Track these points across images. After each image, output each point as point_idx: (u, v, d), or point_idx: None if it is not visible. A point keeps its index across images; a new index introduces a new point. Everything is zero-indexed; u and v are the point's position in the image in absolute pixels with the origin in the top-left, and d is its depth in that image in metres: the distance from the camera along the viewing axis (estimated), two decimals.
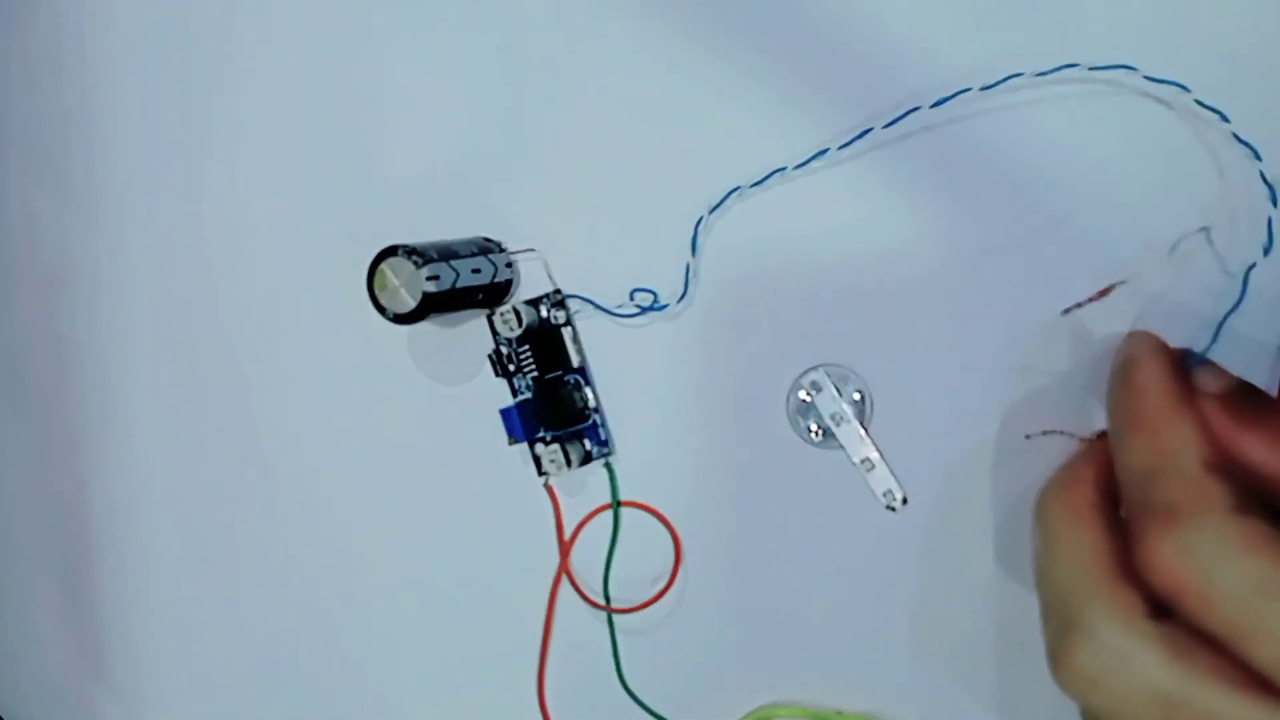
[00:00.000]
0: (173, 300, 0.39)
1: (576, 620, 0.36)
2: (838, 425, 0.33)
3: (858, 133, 0.31)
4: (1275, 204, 0.28)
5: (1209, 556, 0.22)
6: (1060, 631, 0.24)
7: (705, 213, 0.33)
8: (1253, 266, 0.28)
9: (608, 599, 0.35)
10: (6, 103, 0.40)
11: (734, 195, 0.33)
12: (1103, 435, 0.30)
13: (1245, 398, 0.26)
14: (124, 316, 0.39)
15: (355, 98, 0.36)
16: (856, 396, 0.33)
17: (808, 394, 0.33)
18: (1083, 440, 0.30)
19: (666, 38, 0.33)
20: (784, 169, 0.32)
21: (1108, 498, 0.27)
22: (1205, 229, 0.29)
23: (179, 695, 0.40)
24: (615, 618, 0.35)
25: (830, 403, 0.33)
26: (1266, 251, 0.28)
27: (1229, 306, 0.28)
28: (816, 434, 0.33)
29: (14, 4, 0.40)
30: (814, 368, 0.33)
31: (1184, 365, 0.27)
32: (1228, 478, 0.23)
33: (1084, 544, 0.25)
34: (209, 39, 0.38)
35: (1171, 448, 0.24)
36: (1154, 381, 0.25)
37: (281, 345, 0.38)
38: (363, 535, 0.38)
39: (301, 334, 0.37)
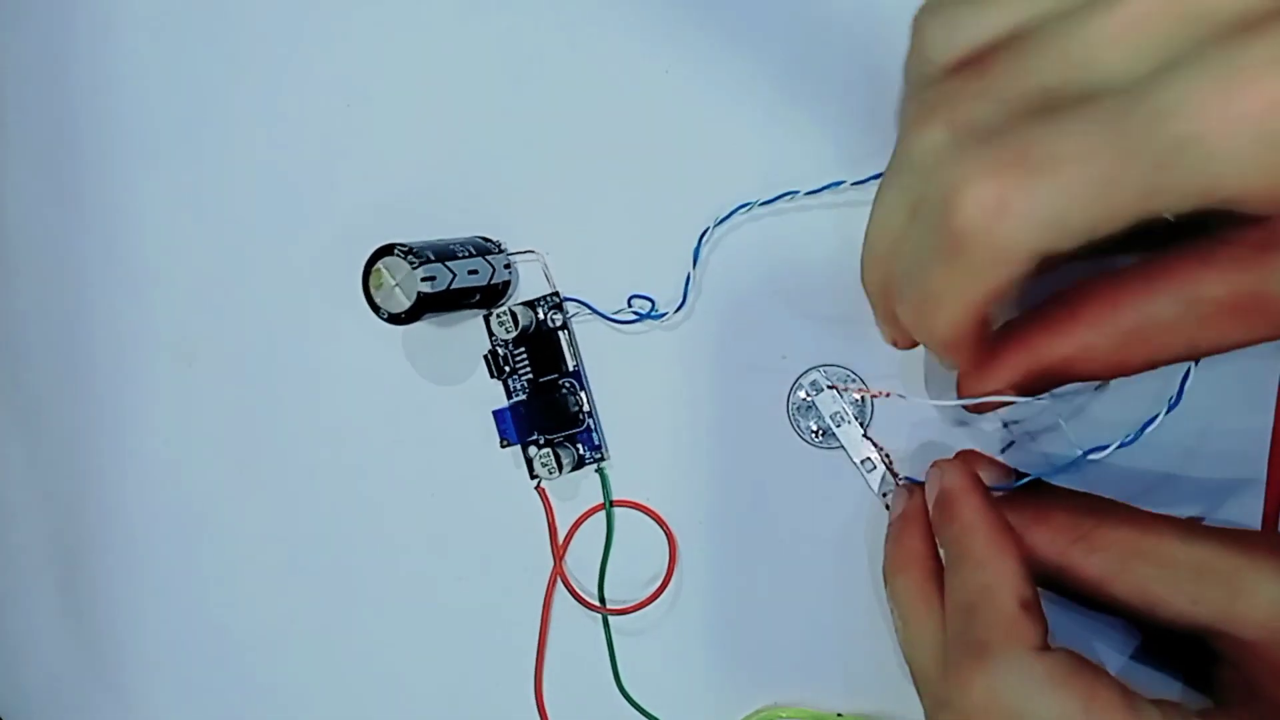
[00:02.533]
0: (171, 299, 0.39)
1: (574, 623, 0.35)
2: (838, 426, 0.33)
3: (873, 174, 0.31)
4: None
5: (1016, 693, 0.24)
6: (934, 708, 0.27)
7: (711, 225, 0.33)
8: (1151, 420, 0.28)
9: (603, 601, 0.35)
10: (7, 102, 0.40)
11: (741, 211, 0.33)
12: (914, 483, 0.31)
13: (1030, 492, 0.29)
14: (123, 316, 0.39)
15: (359, 94, 0.36)
16: (856, 397, 0.33)
17: (808, 394, 0.33)
18: (901, 484, 0.32)
19: (691, 51, 0.33)
20: (795, 192, 0.32)
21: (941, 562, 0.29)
22: None
23: (179, 695, 0.40)
24: (614, 621, 0.35)
25: (830, 403, 0.33)
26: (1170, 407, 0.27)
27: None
28: (817, 434, 0.33)
29: (15, 3, 0.40)
30: (814, 368, 0.33)
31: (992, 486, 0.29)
32: (1039, 615, 0.25)
33: (936, 625, 0.27)
34: (210, 37, 0.38)
35: (992, 584, 0.26)
36: (979, 517, 0.27)
37: (280, 343, 0.38)
38: (359, 536, 0.37)
39: (300, 332, 0.37)
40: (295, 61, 0.37)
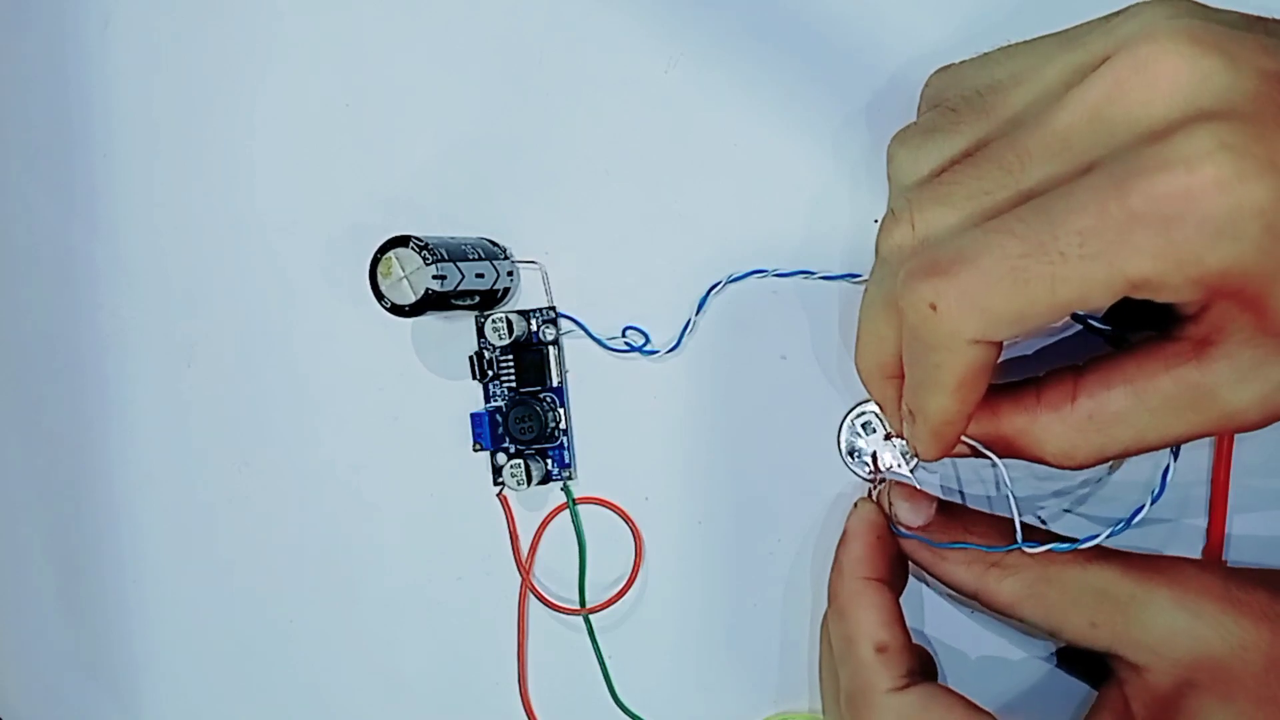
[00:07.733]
0: (170, 300, 0.39)
1: (553, 628, 0.36)
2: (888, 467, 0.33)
3: None
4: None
5: None
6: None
7: (724, 280, 0.34)
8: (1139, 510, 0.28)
9: (583, 604, 0.35)
10: (7, 102, 0.41)
11: (756, 275, 0.34)
12: None
13: (950, 519, 0.30)
14: (121, 315, 0.40)
15: (358, 95, 0.37)
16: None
17: (858, 434, 0.33)
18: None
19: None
20: (813, 273, 0.33)
21: None
22: None
23: (179, 695, 0.40)
24: (606, 628, 0.35)
25: (878, 443, 0.33)
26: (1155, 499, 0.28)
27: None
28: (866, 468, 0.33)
29: (14, 3, 0.40)
30: (863, 402, 0.33)
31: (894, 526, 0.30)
32: (897, 655, 0.28)
33: (829, 672, 0.30)
34: (213, 34, 0.38)
35: (851, 635, 0.28)
36: (850, 563, 0.30)
37: (276, 344, 0.38)
38: (359, 536, 0.38)
39: (297, 333, 0.38)
40: (295, 61, 0.37)
